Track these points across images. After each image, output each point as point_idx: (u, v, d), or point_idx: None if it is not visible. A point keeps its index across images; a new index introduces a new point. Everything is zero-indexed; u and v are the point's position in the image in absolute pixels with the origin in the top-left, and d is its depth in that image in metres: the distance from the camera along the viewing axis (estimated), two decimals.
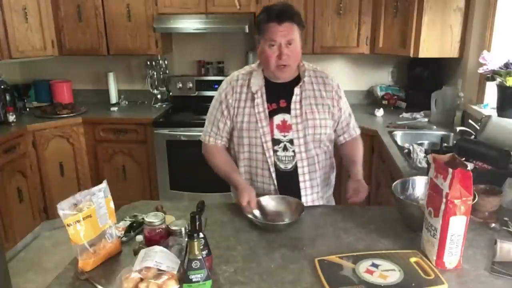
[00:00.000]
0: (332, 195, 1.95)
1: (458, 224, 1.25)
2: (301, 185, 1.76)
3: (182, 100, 3.94)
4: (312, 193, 1.79)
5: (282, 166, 1.75)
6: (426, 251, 1.34)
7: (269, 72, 1.71)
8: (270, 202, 1.65)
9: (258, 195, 1.78)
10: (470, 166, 1.77)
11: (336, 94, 1.78)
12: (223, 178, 1.81)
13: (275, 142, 1.73)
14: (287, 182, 1.75)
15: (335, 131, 1.85)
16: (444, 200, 1.24)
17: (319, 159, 1.78)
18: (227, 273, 1.28)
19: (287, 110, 1.72)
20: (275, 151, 1.73)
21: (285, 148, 1.73)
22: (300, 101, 1.72)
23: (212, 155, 1.83)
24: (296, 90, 1.71)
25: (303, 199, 1.75)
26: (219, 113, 1.78)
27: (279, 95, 1.72)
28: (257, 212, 1.60)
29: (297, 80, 1.73)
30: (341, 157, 1.92)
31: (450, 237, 1.26)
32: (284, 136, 1.72)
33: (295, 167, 1.74)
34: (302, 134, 1.72)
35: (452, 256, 1.28)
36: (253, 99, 1.72)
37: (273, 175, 1.74)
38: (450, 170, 1.23)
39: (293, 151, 1.73)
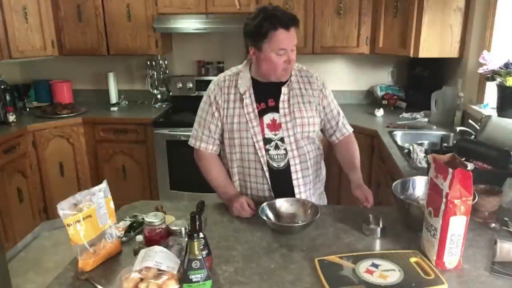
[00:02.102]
0: (324, 192, 1.96)
1: (458, 224, 1.25)
2: (294, 182, 1.77)
3: (182, 100, 3.93)
4: (306, 190, 1.79)
5: (274, 164, 1.75)
6: (426, 251, 1.34)
7: (272, 77, 1.70)
8: (284, 204, 1.64)
9: (253, 197, 1.79)
10: (470, 166, 1.77)
11: (321, 93, 1.79)
12: (214, 190, 1.82)
13: (267, 141, 1.73)
14: (281, 180, 1.76)
15: (325, 131, 1.88)
16: (444, 200, 1.24)
17: (311, 156, 1.79)
18: (227, 273, 1.28)
19: (275, 109, 1.73)
20: (267, 150, 1.74)
21: (276, 147, 1.74)
22: (288, 100, 1.73)
23: (208, 166, 1.82)
24: (284, 89, 1.73)
25: (297, 197, 1.75)
26: (209, 115, 1.77)
27: (267, 94, 1.73)
28: (270, 215, 1.59)
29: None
30: (337, 160, 1.93)
31: (450, 237, 1.26)
32: (275, 135, 1.73)
33: (288, 165, 1.75)
34: (292, 132, 1.73)
35: (452, 256, 1.28)
36: (241, 100, 1.73)
37: (267, 174, 1.75)
38: (450, 170, 1.23)
39: (285, 149, 1.74)
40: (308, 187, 1.80)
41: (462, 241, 1.28)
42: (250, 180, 1.79)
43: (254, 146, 1.72)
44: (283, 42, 1.60)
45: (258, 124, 1.72)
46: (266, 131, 1.73)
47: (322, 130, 1.89)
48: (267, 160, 1.74)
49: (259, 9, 1.67)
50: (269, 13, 1.62)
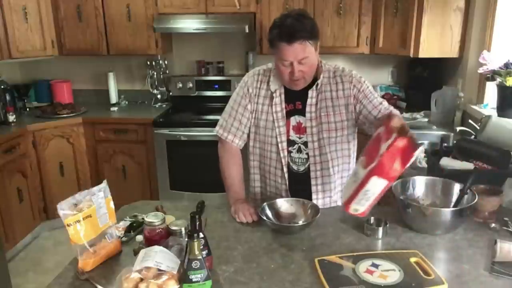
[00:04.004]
0: None
1: (376, 184, 1.28)
2: (313, 188, 1.75)
3: (182, 100, 3.94)
4: (324, 197, 1.76)
5: (295, 167, 1.74)
6: (343, 190, 1.39)
7: (284, 83, 1.68)
8: (284, 204, 1.63)
9: (271, 195, 1.78)
10: (470, 166, 1.77)
11: (354, 88, 1.68)
12: (224, 186, 1.79)
13: (290, 143, 1.72)
14: (299, 184, 1.74)
15: (368, 127, 1.70)
16: (377, 159, 1.26)
17: (334, 164, 1.73)
18: (227, 273, 1.28)
19: (302, 112, 1.70)
20: (289, 152, 1.72)
21: (299, 150, 1.72)
22: (316, 103, 1.68)
23: (229, 161, 1.79)
24: (311, 93, 1.68)
25: (314, 202, 1.71)
26: (241, 107, 1.75)
27: (295, 96, 1.69)
28: (271, 215, 1.59)
29: (314, 82, 1.69)
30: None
31: (364, 191, 1.30)
32: (299, 138, 1.71)
33: (308, 170, 1.73)
34: (316, 138, 1.69)
35: (359, 206, 1.33)
36: (271, 98, 1.71)
37: (286, 175, 1.74)
38: (394, 135, 1.25)
39: (307, 153, 1.71)
40: (328, 194, 1.77)
41: (373, 198, 1.30)
42: (270, 178, 1.78)
43: (278, 146, 1.71)
44: (284, 54, 1.55)
45: (285, 124, 1.70)
46: (291, 133, 1.71)
47: (364, 128, 1.73)
48: (288, 162, 1.73)
49: (285, 13, 1.62)
50: (281, 22, 1.56)
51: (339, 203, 1.80)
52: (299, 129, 1.71)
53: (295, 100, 1.70)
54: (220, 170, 1.82)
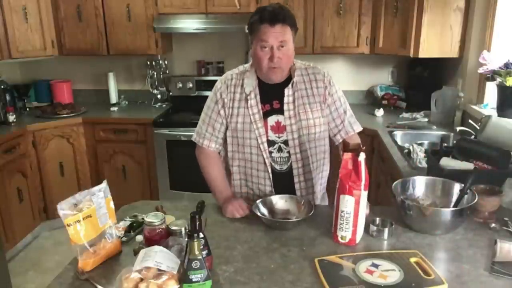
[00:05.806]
0: (325, 193, 1.95)
1: (346, 202, 1.36)
2: (296, 186, 1.76)
3: (182, 100, 3.94)
4: (308, 193, 1.79)
5: (277, 167, 1.75)
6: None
7: (261, 73, 1.69)
8: (278, 201, 1.64)
9: (254, 197, 1.78)
10: (470, 166, 1.77)
11: (325, 89, 1.74)
12: (210, 189, 1.80)
13: (270, 143, 1.72)
14: (283, 183, 1.75)
15: (329, 130, 1.80)
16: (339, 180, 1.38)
17: (313, 160, 1.77)
18: (227, 273, 1.28)
19: (280, 111, 1.71)
20: (270, 152, 1.73)
21: (279, 149, 1.73)
22: (293, 101, 1.70)
23: (208, 164, 1.81)
24: (287, 91, 1.70)
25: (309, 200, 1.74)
26: (214, 113, 1.76)
27: (272, 96, 1.71)
28: (265, 211, 1.60)
29: (289, 81, 1.71)
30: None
31: (340, 213, 1.38)
32: (279, 138, 1.72)
33: (290, 168, 1.74)
34: (297, 135, 1.71)
35: (344, 232, 1.39)
36: (246, 100, 1.71)
37: (270, 176, 1.74)
38: (344, 153, 1.38)
39: (288, 152, 1.73)
40: (311, 190, 1.80)
41: (352, 219, 1.37)
42: (252, 181, 1.78)
43: (259, 147, 1.71)
44: (265, 35, 1.58)
45: (263, 125, 1.71)
46: (270, 133, 1.72)
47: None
48: (270, 162, 1.73)
49: (264, 5, 1.68)
50: (261, 8, 1.63)
51: (319, 198, 1.86)
52: (278, 128, 1.72)
53: (272, 100, 1.71)
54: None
